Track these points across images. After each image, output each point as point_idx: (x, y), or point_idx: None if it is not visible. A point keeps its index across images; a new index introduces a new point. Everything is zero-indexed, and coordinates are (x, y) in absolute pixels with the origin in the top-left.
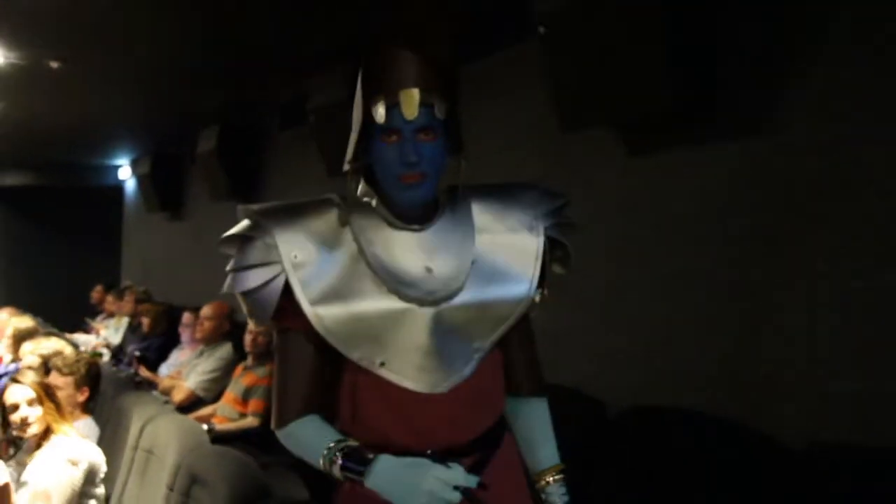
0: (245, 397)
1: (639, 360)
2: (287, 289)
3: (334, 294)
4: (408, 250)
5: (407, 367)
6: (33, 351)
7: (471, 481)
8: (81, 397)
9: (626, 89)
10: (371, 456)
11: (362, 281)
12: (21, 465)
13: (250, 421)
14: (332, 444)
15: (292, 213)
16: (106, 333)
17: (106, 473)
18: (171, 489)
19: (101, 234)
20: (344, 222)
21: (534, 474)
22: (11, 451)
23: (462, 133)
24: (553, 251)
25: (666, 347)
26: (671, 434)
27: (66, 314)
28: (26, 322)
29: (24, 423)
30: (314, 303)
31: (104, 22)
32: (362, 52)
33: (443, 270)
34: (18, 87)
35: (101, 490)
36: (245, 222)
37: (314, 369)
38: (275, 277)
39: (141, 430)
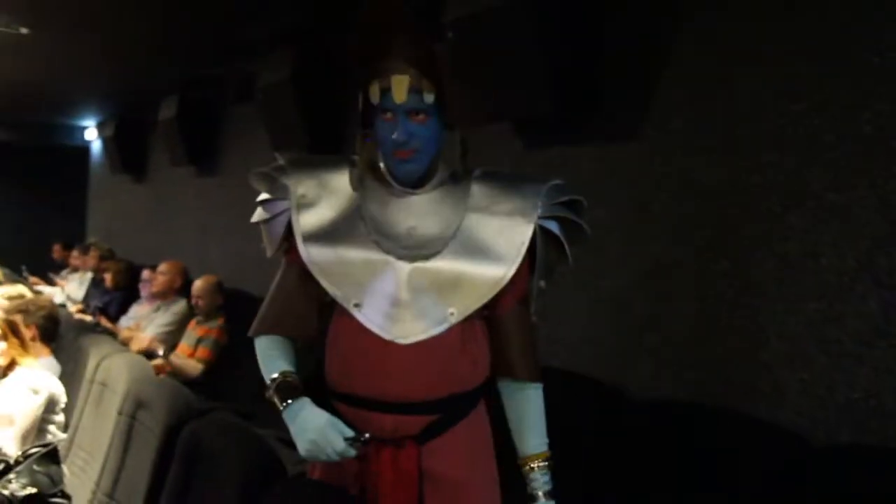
0: (195, 346)
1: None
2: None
3: (326, 235)
4: (398, 210)
5: (377, 313)
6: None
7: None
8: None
9: (516, 90)
10: (296, 395)
11: (354, 228)
12: None
13: (194, 364)
14: (275, 376)
15: (314, 163)
16: (70, 287)
17: (66, 404)
18: (119, 413)
19: (68, 193)
20: (356, 180)
21: (520, 459)
22: None
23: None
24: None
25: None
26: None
27: (30, 268)
28: None
29: None
30: (307, 239)
31: None
32: (355, 34)
33: (424, 232)
34: None
35: (60, 417)
36: (273, 164)
37: (291, 296)
38: (282, 212)
39: (97, 366)
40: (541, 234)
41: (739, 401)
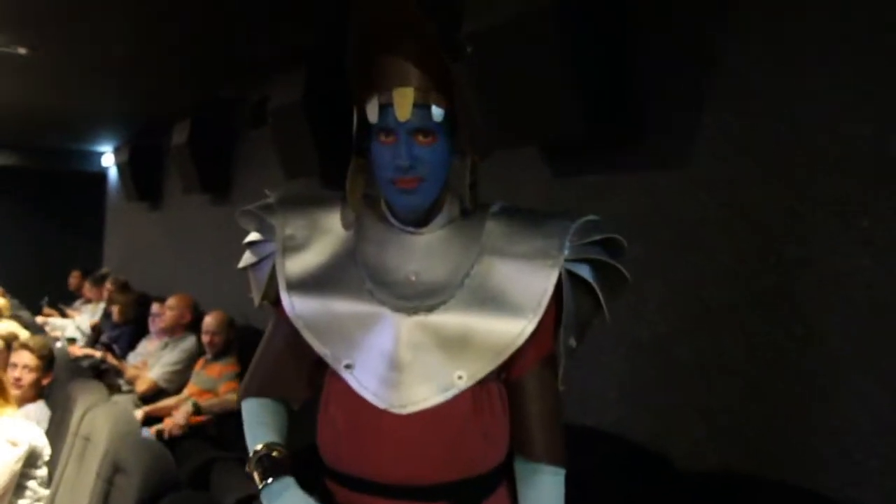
0: (213, 388)
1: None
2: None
3: (314, 283)
4: (397, 252)
5: (371, 376)
6: None
7: None
8: (45, 381)
9: (544, 110)
10: (279, 473)
11: (346, 275)
12: None
13: (231, 398)
14: (258, 447)
15: (307, 200)
16: (81, 319)
17: (51, 456)
18: (97, 475)
19: (85, 219)
20: (350, 218)
21: None
22: None
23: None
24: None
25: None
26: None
27: (45, 296)
28: None
29: None
30: (292, 287)
31: (71, 13)
32: (352, 40)
33: (427, 279)
34: None
35: (42, 472)
36: (262, 202)
37: (281, 353)
38: (267, 256)
39: (82, 418)
40: (569, 281)
41: (800, 474)
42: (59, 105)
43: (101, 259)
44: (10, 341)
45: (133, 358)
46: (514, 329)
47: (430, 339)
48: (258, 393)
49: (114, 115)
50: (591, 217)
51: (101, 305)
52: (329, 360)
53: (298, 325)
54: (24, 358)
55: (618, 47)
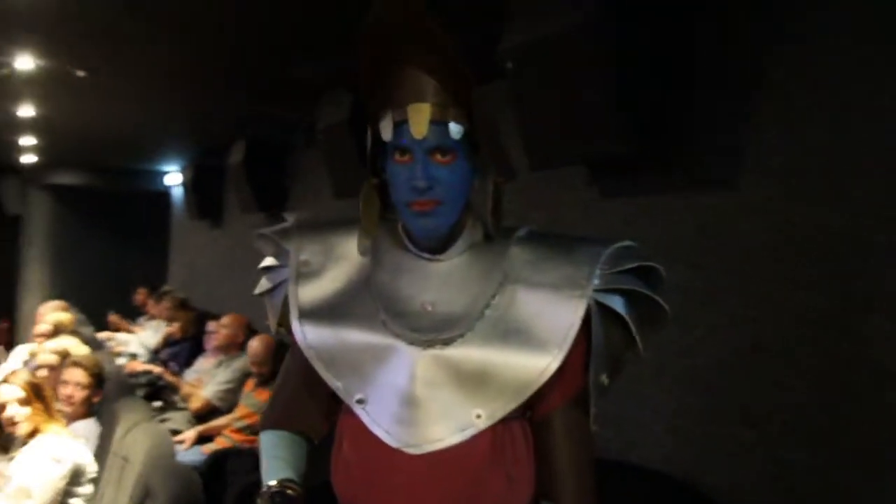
0: (262, 411)
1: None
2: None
3: (328, 311)
4: (413, 281)
5: (384, 413)
6: (48, 349)
7: None
8: (96, 398)
9: (587, 129)
10: None
11: (360, 304)
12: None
13: None
14: (272, 483)
15: (324, 224)
16: (145, 335)
17: (98, 474)
18: (130, 498)
19: (152, 238)
20: (366, 243)
21: None
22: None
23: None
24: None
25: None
26: None
27: (111, 312)
28: (62, 317)
29: (12, 422)
30: (304, 316)
31: (129, 36)
32: (364, 52)
33: (444, 309)
34: (48, 93)
35: (86, 489)
36: (278, 226)
37: (298, 385)
38: (283, 282)
39: (123, 436)
40: (599, 313)
41: None
42: (121, 126)
43: (166, 277)
44: (63, 358)
45: (189, 375)
46: (538, 365)
47: (446, 374)
48: (275, 425)
49: (174, 135)
50: (625, 243)
51: (164, 323)
52: (341, 393)
53: (310, 355)
54: (75, 375)
55: (667, 60)
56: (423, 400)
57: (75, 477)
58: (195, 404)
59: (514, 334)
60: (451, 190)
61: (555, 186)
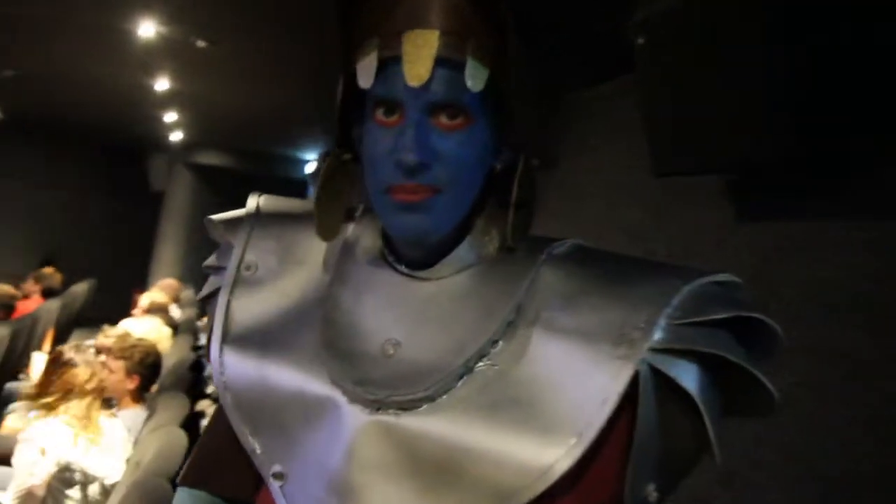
0: None
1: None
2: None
3: (260, 339)
4: (380, 306)
5: (304, 498)
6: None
7: None
8: (131, 385)
9: (737, 125)
10: None
11: (306, 332)
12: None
13: None
14: None
15: (289, 215)
16: None
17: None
18: None
19: None
20: (335, 245)
21: None
22: None
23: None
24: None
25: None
26: None
27: None
28: (157, 297)
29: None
30: (229, 342)
31: (249, 5)
32: None
33: (412, 355)
34: (167, 62)
35: (75, 493)
36: (232, 212)
37: (222, 435)
38: (218, 290)
39: (143, 439)
40: (654, 386)
41: None
42: (252, 105)
43: None
44: (117, 344)
45: None
46: (540, 460)
47: (396, 457)
48: (194, 484)
49: (307, 119)
50: (719, 276)
51: None
52: (256, 459)
53: (225, 400)
54: (118, 363)
55: (832, 45)
56: (360, 491)
57: (66, 477)
58: None
59: (511, 406)
60: (457, 171)
61: (682, 201)
